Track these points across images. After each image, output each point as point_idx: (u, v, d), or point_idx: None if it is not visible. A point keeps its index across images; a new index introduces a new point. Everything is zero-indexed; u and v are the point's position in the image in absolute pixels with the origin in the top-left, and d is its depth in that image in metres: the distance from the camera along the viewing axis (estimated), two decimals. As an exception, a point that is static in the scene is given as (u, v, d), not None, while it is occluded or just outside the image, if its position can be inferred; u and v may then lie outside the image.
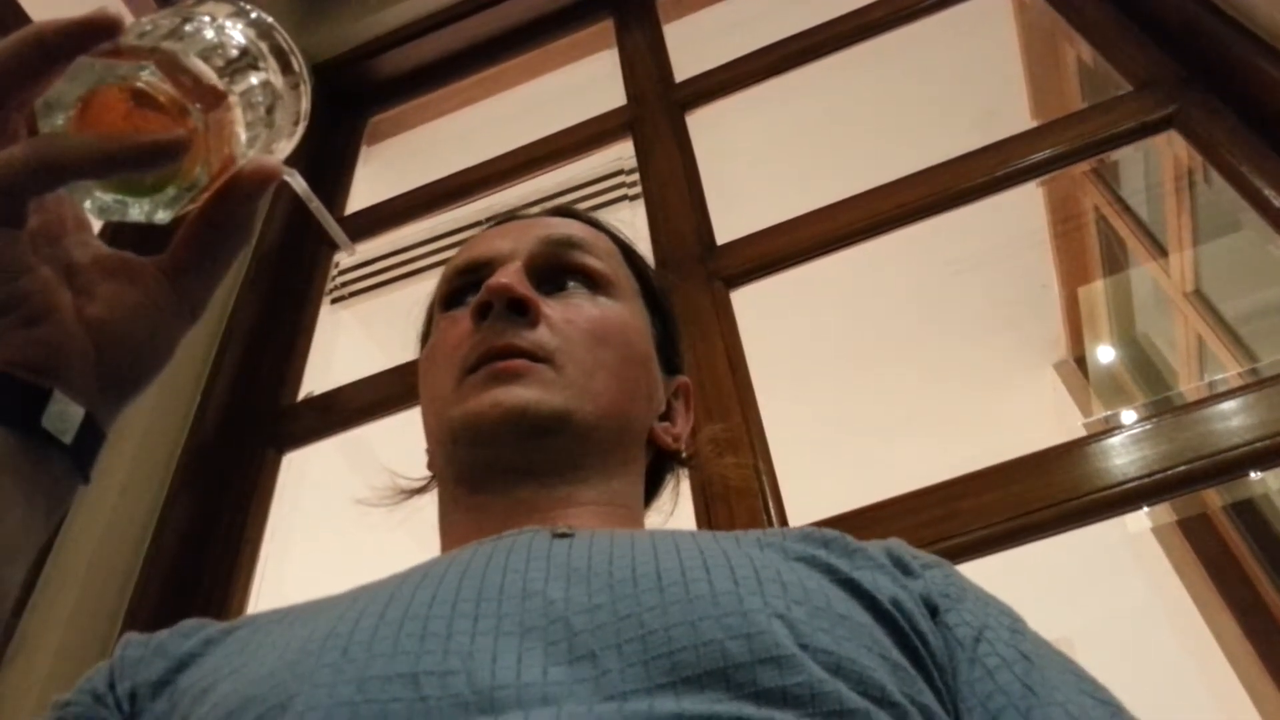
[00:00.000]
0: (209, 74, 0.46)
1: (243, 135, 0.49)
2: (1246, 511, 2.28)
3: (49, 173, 0.42)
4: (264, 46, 0.51)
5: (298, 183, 0.54)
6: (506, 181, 2.06)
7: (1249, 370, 2.14)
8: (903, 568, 0.60)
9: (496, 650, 0.47)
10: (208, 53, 0.48)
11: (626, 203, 2.03)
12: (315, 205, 0.56)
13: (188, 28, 0.48)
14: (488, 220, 0.90)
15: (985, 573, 0.79)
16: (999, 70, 2.54)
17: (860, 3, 2.01)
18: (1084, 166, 2.34)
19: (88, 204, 0.47)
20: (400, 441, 0.92)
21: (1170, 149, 1.69)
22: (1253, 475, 1.14)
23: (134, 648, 0.61)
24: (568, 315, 0.73)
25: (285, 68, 0.52)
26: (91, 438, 0.46)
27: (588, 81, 2.31)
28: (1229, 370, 2.22)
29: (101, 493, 1.44)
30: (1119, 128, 1.49)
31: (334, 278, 2.07)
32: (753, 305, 1.52)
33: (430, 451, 0.79)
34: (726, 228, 1.65)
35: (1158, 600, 2.59)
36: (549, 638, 0.48)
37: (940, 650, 0.54)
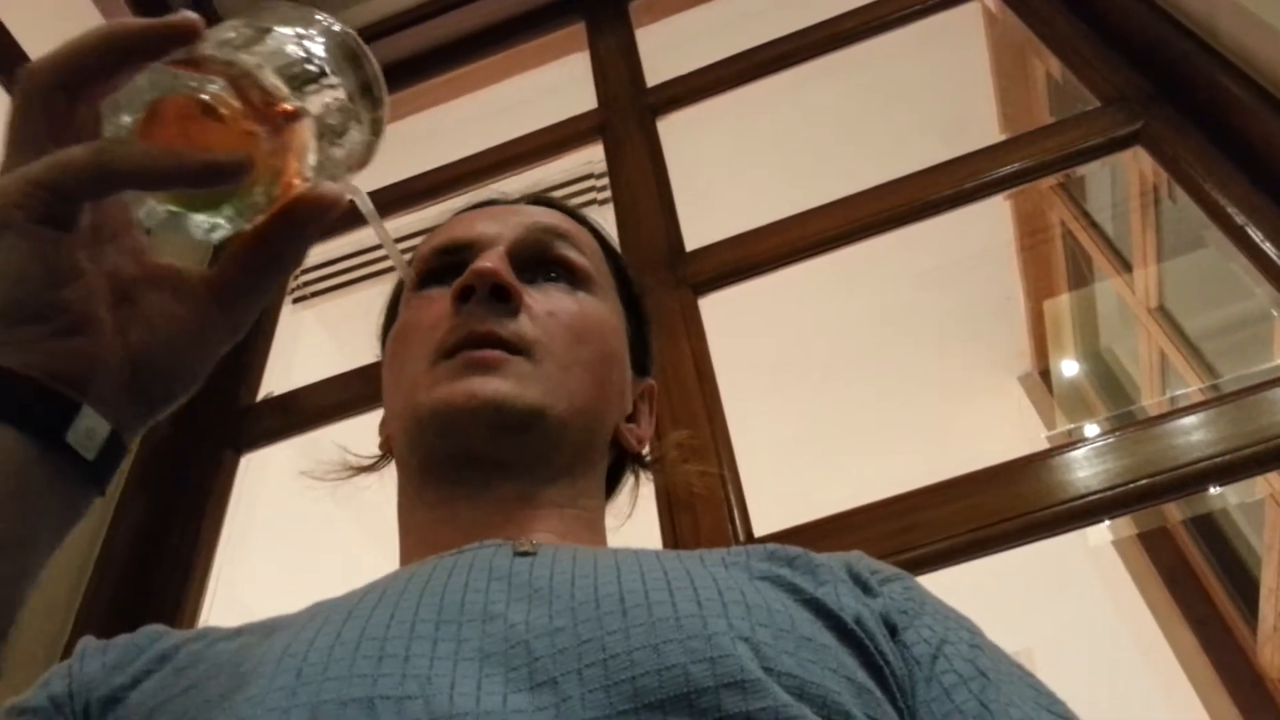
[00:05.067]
0: (282, 92, 0.44)
1: (311, 159, 0.46)
2: (1205, 525, 2.31)
3: (105, 179, 0.41)
4: (347, 68, 0.48)
5: (364, 203, 0.52)
6: (474, 183, 2.04)
7: (1210, 386, 2.17)
8: (863, 586, 0.59)
9: (455, 675, 0.46)
10: (286, 69, 0.45)
11: (596, 207, 2.02)
12: (379, 228, 0.54)
13: (269, 40, 0.46)
14: (470, 205, 0.88)
15: (946, 584, 0.79)
16: (968, 83, 2.56)
17: (832, 13, 2.01)
18: (1051, 181, 2.36)
19: (141, 212, 0.45)
20: (361, 446, 0.91)
21: (1136, 165, 1.70)
22: (1212, 490, 1.15)
23: (91, 656, 0.59)
24: (549, 307, 0.72)
25: (365, 92, 0.49)
26: (113, 453, 0.44)
27: (558, 84, 2.29)
28: (1191, 386, 2.24)
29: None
30: (1086, 143, 1.51)
31: (295, 277, 2.05)
32: (720, 312, 1.52)
33: (390, 436, 0.77)
34: (696, 234, 1.64)
35: (1117, 612, 2.61)
36: (509, 663, 0.47)
37: (901, 670, 0.53)
